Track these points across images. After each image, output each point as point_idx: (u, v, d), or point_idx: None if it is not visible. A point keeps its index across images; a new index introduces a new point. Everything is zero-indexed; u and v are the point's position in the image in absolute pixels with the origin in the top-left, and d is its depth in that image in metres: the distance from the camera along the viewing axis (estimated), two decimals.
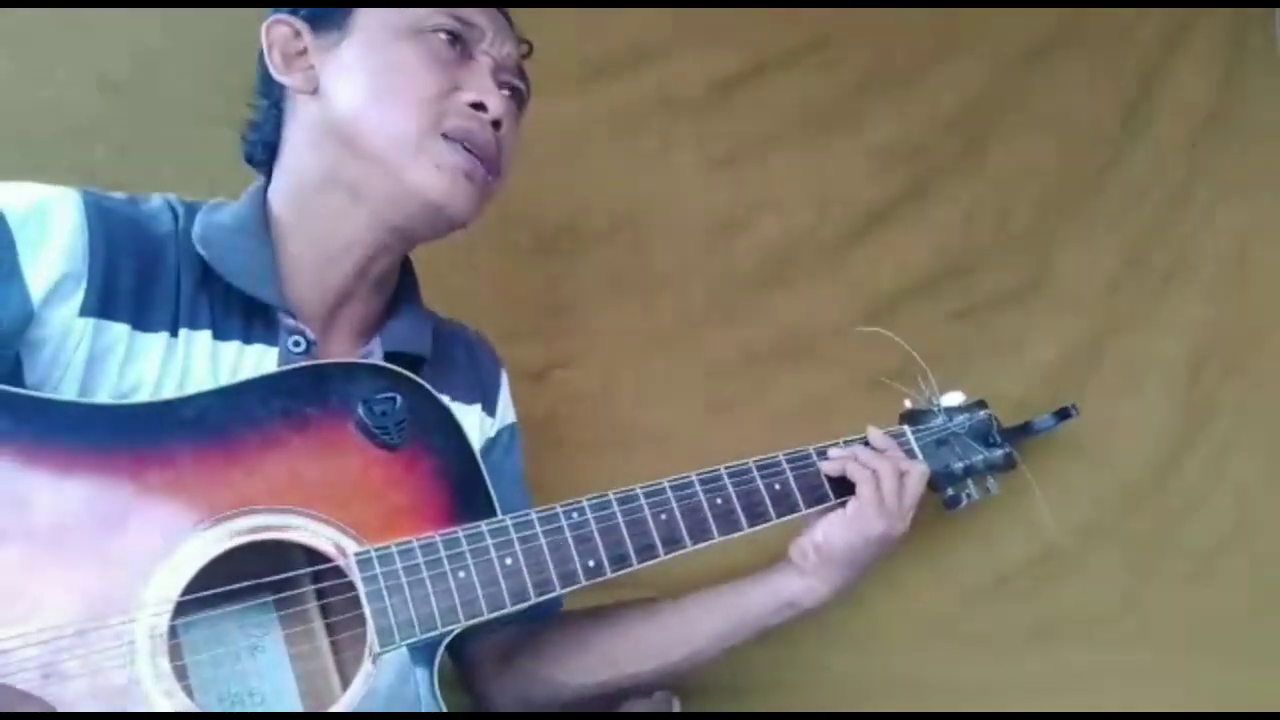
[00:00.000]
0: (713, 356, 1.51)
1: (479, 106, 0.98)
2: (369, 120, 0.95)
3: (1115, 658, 1.43)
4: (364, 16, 0.97)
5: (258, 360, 0.94)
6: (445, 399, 0.97)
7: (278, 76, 0.98)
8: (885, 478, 1.07)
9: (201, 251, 0.93)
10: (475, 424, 1.11)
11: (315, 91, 0.97)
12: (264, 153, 1.03)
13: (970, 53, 1.56)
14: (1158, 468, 1.55)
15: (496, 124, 0.99)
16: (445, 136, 0.96)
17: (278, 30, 0.99)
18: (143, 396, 0.88)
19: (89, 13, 1.25)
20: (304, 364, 0.91)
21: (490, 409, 1.15)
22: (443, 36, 0.97)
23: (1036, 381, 1.51)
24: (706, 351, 1.51)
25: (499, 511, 0.93)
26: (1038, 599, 1.49)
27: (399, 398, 0.90)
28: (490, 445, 1.14)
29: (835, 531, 1.07)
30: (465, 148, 0.97)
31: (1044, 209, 1.58)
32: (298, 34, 0.98)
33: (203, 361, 0.92)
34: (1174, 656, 1.41)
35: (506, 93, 1.03)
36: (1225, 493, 1.54)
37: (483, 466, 0.95)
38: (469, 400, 1.12)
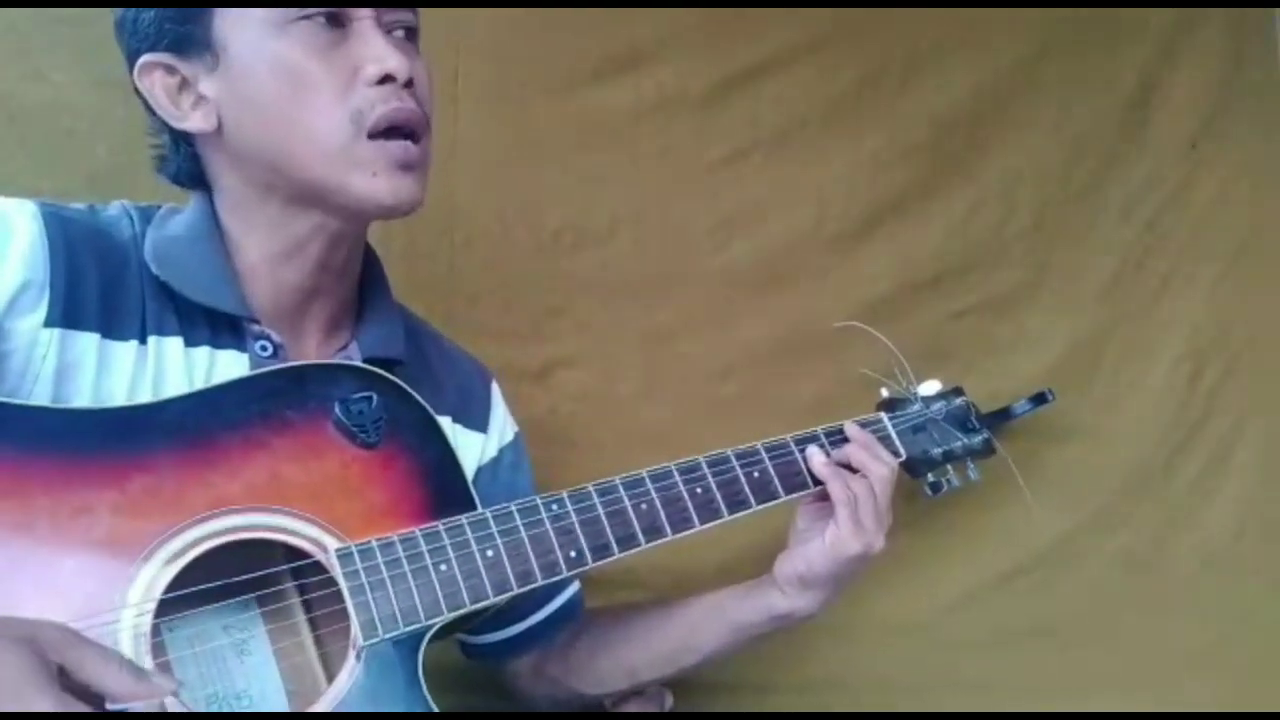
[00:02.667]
0: (713, 356, 1.51)
1: (385, 79, 0.91)
2: (290, 146, 0.91)
3: (1115, 657, 1.43)
4: (228, 30, 0.90)
5: (229, 366, 0.93)
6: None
7: (177, 125, 0.94)
8: (863, 502, 1.06)
9: (156, 271, 0.91)
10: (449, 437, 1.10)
11: (219, 129, 0.93)
12: (190, 178, 0.99)
13: (970, 53, 1.56)
14: (1158, 467, 1.55)
15: (408, 82, 0.93)
16: (370, 137, 0.91)
17: (152, 75, 0.93)
18: (114, 404, 0.87)
19: (89, 13, 1.25)
20: (282, 366, 0.92)
21: (479, 425, 1.14)
22: (313, 21, 0.90)
23: (1036, 382, 1.50)
24: (706, 351, 1.51)
25: (478, 504, 0.94)
26: (1038, 599, 1.49)
27: (375, 397, 0.91)
28: (494, 465, 1.15)
29: (817, 561, 1.06)
30: (393, 132, 0.92)
31: (1044, 209, 1.58)
32: (171, 69, 0.92)
33: (176, 369, 0.91)
34: (1172, 656, 1.42)
35: (400, 34, 0.96)
36: (1226, 492, 1.54)
37: (460, 461, 0.96)
38: (439, 412, 1.08)
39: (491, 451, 1.15)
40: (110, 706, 0.67)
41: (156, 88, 0.93)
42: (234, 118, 0.92)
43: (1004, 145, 1.58)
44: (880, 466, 1.10)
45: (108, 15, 1.24)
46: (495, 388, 1.19)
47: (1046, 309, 1.58)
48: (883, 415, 1.22)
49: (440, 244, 1.41)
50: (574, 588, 1.21)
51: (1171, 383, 1.57)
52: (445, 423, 1.07)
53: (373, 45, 0.92)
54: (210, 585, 0.81)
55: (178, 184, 1.00)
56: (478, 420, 1.15)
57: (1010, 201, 1.58)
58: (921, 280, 1.56)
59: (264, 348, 0.95)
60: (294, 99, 0.90)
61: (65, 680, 0.65)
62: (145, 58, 0.92)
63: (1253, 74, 1.62)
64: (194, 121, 0.93)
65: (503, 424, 1.18)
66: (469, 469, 1.10)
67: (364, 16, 0.92)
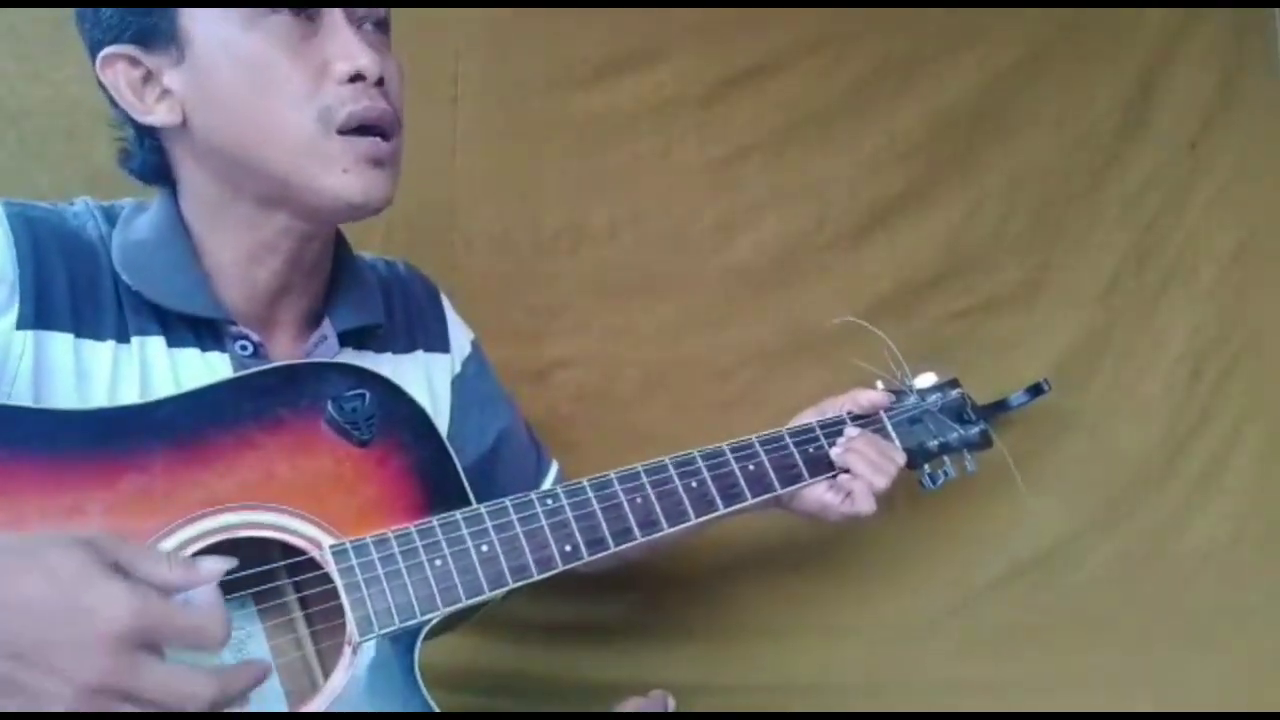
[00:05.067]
0: (713, 356, 1.52)
1: (356, 77, 0.89)
2: (256, 142, 0.89)
3: (1115, 657, 1.43)
4: (193, 23, 0.87)
5: (213, 367, 0.93)
6: (389, 355, 1.04)
7: (140, 118, 0.91)
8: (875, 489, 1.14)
9: (127, 279, 0.90)
10: (421, 371, 1.11)
11: (184, 123, 0.90)
12: (155, 173, 0.96)
13: (970, 52, 1.56)
14: (1158, 467, 1.55)
15: (379, 80, 0.91)
16: (340, 133, 0.89)
17: (115, 67, 0.90)
18: (99, 404, 0.87)
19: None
20: (274, 365, 0.92)
21: (442, 345, 1.15)
22: (283, 15, 0.87)
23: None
24: (706, 351, 1.52)
25: (473, 500, 0.94)
26: (1038, 599, 1.49)
27: (368, 394, 0.91)
28: (461, 380, 1.16)
29: (827, 513, 1.15)
30: (363, 130, 0.91)
31: (1044, 209, 1.58)
32: (135, 61, 0.89)
33: (161, 368, 0.91)
34: (1174, 656, 1.41)
35: (370, 27, 0.94)
36: (1225, 492, 1.54)
37: (454, 457, 0.95)
38: (408, 349, 1.11)
39: (456, 367, 1.16)
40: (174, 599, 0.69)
41: (120, 80, 0.90)
42: (200, 112, 0.90)
43: (1004, 145, 1.58)
44: (891, 466, 1.15)
45: None
46: (444, 300, 1.19)
47: (1046, 309, 1.57)
48: (881, 413, 1.22)
49: (440, 244, 1.41)
50: (554, 469, 1.23)
51: (1171, 383, 1.57)
52: (419, 355, 1.11)
53: (343, 41, 0.90)
54: (205, 583, 0.81)
55: (142, 179, 0.98)
56: (439, 341, 1.15)
57: (1010, 201, 1.58)
58: (921, 280, 1.56)
59: (244, 347, 0.94)
60: (261, 95, 0.88)
61: (124, 574, 0.67)
62: (108, 49, 0.89)
63: (1253, 74, 1.61)
64: (158, 115, 0.90)
65: (460, 336, 1.19)
66: (444, 388, 1.13)
67: (334, 10, 0.90)
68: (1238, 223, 1.60)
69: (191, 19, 0.88)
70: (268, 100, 0.88)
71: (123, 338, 0.90)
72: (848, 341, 1.37)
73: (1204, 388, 1.57)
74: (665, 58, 1.49)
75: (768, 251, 1.54)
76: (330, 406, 0.89)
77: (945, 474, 1.26)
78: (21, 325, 0.85)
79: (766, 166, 1.53)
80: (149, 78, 0.90)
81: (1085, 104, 1.58)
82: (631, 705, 1.21)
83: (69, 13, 1.24)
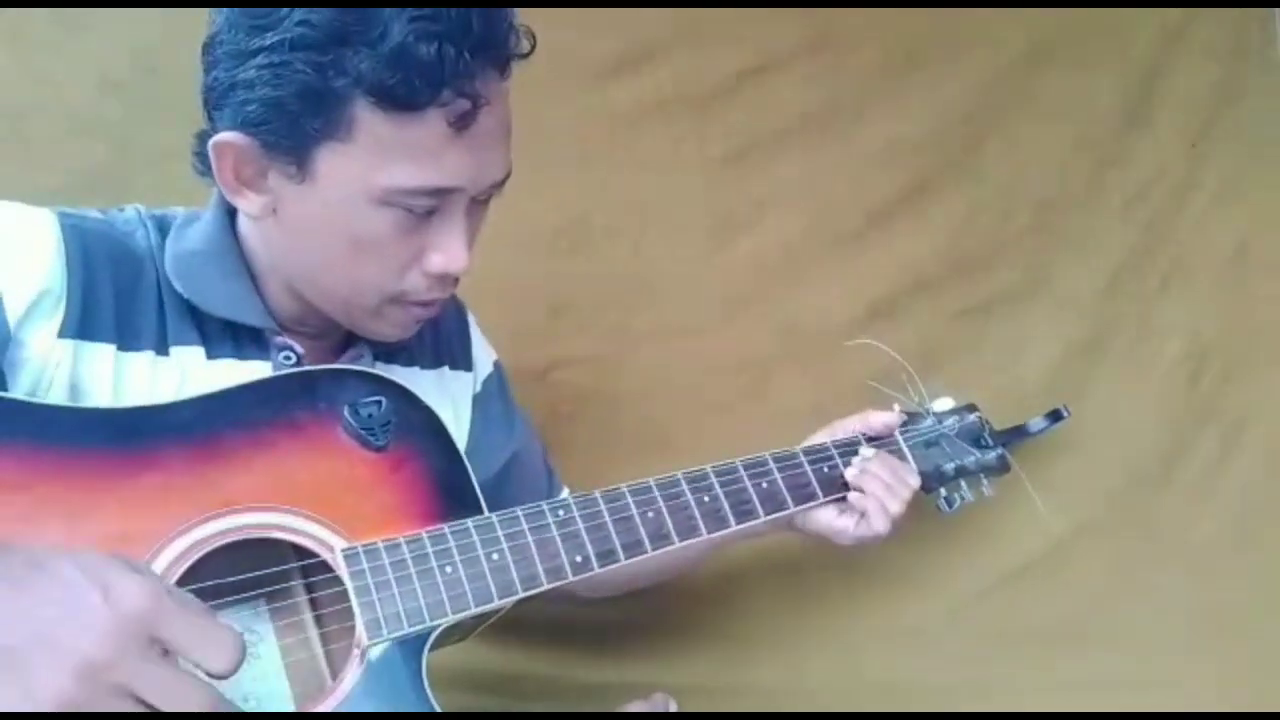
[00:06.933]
0: (713, 357, 1.51)
1: (445, 276, 0.92)
2: (327, 282, 0.92)
3: (1114, 658, 1.43)
4: (330, 166, 0.85)
5: (252, 377, 0.92)
6: (416, 369, 1.05)
7: (228, 196, 0.90)
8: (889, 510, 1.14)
9: (179, 287, 0.91)
10: (445, 387, 1.12)
11: (274, 213, 0.89)
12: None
13: (970, 53, 1.56)
14: (1157, 468, 1.55)
15: None
16: (399, 303, 0.93)
17: (229, 154, 0.86)
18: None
19: (89, 13, 1.25)
20: (292, 370, 0.93)
21: (466, 364, 1.16)
22: (413, 211, 0.87)
23: (1037, 382, 1.51)
24: (706, 351, 1.51)
25: (485, 509, 0.94)
26: (1037, 600, 1.49)
27: (384, 401, 0.91)
28: (483, 398, 1.16)
29: (838, 536, 1.14)
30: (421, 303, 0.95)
31: (1044, 209, 1.58)
32: (251, 158, 0.86)
33: (199, 380, 0.91)
34: (1173, 657, 1.42)
35: (481, 200, 0.93)
36: (1225, 493, 1.54)
37: (468, 465, 0.96)
38: (434, 365, 1.12)
39: (478, 386, 1.17)
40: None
41: (226, 164, 0.87)
42: (287, 228, 0.90)
43: (1004, 145, 1.58)
44: (905, 490, 1.15)
45: (108, 15, 1.25)
46: (470, 319, 1.20)
47: (1046, 309, 1.57)
48: (896, 434, 1.22)
49: None
50: (564, 495, 1.22)
51: (1172, 383, 1.57)
52: (442, 373, 1.12)
53: (451, 234, 0.90)
54: (219, 581, 0.81)
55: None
56: (463, 359, 1.16)
57: (1010, 201, 1.58)
58: (921, 280, 1.56)
59: (288, 358, 0.95)
60: (356, 259, 0.89)
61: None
62: (235, 136, 0.85)
63: (1253, 74, 1.62)
64: (247, 203, 0.90)
65: (483, 355, 1.19)
66: (466, 406, 1.14)
67: (462, 200, 0.89)
68: (1238, 223, 1.60)
69: (329, 160, 0.85)
70: (358, 266, 0.90)
71: (162, 349, 0.91)
72: (845, 348, 1.38)
73: (1204, 388, 1.57)
74: (665, 58, 1.49)
75: (768, 251, 1.53)
76: (346, 411, 0.89)
77: (962, 498, 1.25)
78: (63, 334, 0.85)
79: (766, 166, 1.53)
80: (256, 171, 0.88)
81: (1086, 104, 1.58)
82: (633, 708, 1.21)
83: (69, 13, 1.25)
